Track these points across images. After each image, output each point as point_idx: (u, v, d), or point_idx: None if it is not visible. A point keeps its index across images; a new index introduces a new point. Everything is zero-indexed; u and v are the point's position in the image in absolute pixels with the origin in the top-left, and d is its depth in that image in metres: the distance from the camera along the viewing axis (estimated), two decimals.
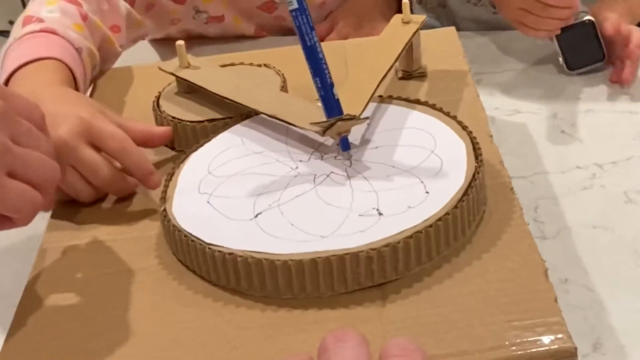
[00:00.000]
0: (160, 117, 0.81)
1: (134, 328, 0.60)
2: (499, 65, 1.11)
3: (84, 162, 0.71)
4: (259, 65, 0.87)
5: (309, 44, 0.66)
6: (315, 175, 0.68)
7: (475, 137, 0.70)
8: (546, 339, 0.54)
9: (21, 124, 0.58)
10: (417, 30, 0.83)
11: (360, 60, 0.81)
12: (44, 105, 0.64)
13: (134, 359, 0.58)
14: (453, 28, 0.96)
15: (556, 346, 0.54)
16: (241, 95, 0.78)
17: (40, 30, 0.88)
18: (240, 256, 0.60)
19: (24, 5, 1.04)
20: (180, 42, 0.82)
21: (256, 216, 0.64)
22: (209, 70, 0.83)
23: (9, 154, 0.56)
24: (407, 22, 0.83)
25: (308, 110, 0.73)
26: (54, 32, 0.88)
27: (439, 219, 0.61)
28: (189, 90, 0.82)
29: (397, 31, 0.84)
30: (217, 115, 0.78)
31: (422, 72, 0.86)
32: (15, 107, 0.58)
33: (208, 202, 0.67)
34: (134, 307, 0.62)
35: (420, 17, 0.84)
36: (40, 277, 0.66)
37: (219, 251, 0.61)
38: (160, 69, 0.83)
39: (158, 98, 0.83)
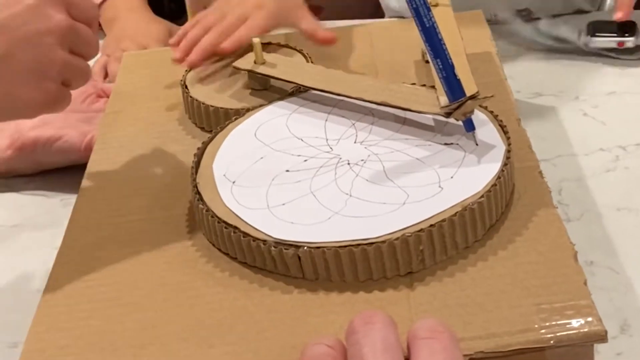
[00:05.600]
0: (187, 97, 0.82)
1: (161, 308, 0.61)
2: (520, 48, 1.10)
3: None
4: (286, 46, 0.87)
5: (427, 25, 0.63)
6: (343, 161, 0.68)
7: (502, 121, 0.69)
8: (576, 322, 0.54)
9: (79, 37, 0.66)
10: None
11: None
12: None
13: (161, 340, 0.58)
14: (480, 11, 0.95)
15: (586, 329, 0.54)
16: (338, 86, 0.75)
17: None
18: (264, 241, 0.60)
19: None
20: (256, 40, 0.81)
21: (283, 204, 0.64)
22: (288, 64, 0.81)
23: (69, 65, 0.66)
24: (436, 5, 0.83)
25: (414, 94, 0.71)
26: None
27: (465, 209, 0.60)
28: (263, 87, 0.81)
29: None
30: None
31: None
32: (76, 12, 0.66)
33: (234, 186, 0.67)
34: (162, 287, 0.62)
35: None
36: (67, 258, 0.67)
37: (248, 238, 0.61)
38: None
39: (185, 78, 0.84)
